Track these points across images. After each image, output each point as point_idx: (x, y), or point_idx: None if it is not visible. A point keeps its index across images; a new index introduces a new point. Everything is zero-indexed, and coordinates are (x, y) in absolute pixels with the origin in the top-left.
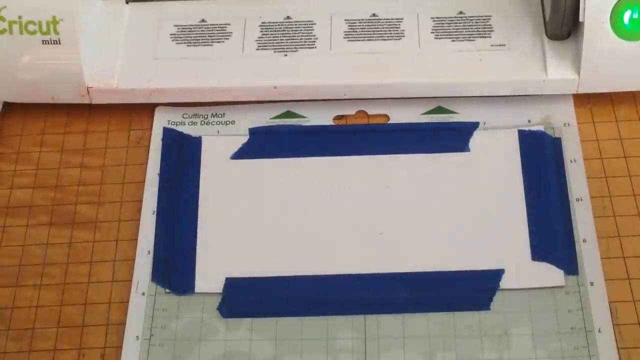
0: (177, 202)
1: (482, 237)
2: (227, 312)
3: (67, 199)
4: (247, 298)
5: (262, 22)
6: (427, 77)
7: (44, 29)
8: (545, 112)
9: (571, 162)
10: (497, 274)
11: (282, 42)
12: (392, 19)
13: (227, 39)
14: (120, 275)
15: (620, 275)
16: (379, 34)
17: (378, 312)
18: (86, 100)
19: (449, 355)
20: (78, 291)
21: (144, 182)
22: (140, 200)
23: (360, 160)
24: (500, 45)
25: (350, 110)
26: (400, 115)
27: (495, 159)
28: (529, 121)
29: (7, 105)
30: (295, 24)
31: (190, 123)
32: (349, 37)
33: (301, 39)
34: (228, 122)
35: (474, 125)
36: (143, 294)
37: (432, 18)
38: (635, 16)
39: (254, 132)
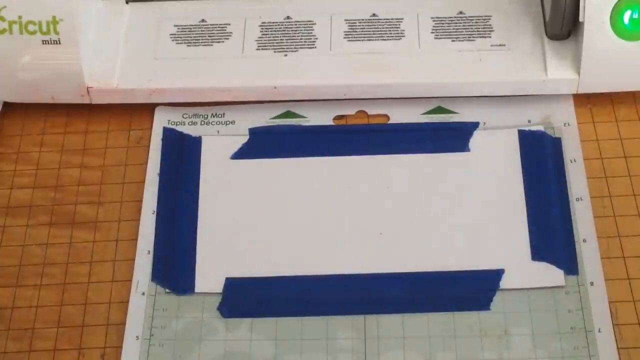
0: (177, 202)
1: (482, 237)
2: (227, 312)
3: (67, 199)
4: (247, 298)
5: (262, 22)
6: (427, 77)
7: (44, 29)
8: (545, 112)
9: (571, 162)
10: (497, 274)
11: (282, 42)
12: (392, 19)
13: (227, 39)
14: (120, 275)
15: (620, 275)
16: (379, 34)
17: (378, 312)
18: (86, 100)
19: (449, 355)
20: (78, 291)
21: (144, 182)
22: (140, 200)
23: (360, 160)
24: (500, 45)
25: (350, 110)
26: (400, 115)
27: (495, 159)
28: (529, 121)
29: (7, 105)
30: (295, 24)
31: (190, 123)
32: (349, 37)
33: (301, 39)
34: (228, 122)
35: (474, 125)
36: (143, 293)
37: (432, 18)
38: (635, 16)
39: (254, 132)
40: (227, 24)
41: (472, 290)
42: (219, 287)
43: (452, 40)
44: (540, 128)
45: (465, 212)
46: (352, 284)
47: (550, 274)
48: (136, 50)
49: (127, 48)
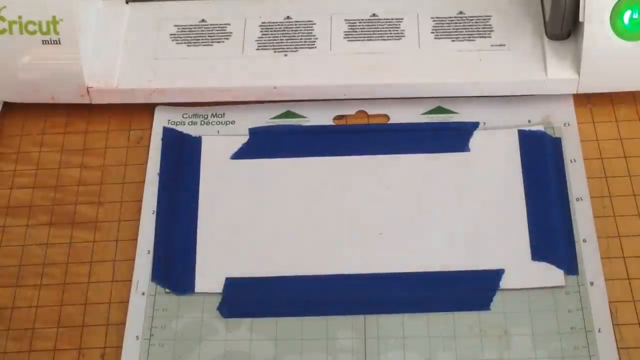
0: (177, 202)
1: (482, 237)
2: (227, 312)
3: (67, 199)
4: (247, 298)
5: (262, 22)
6: (427, 77)
7: (44, 29)
8: (545, 112)
9: (571, 162)
10: (497, 274)
11: (282, 42)
12: (392, 19)
13: (227, 39)
14: (120, 275)
15: (620, 275)
16: (379, 34)
17: (378, 312)
18: (86, 100)
19: (449, 355)
20: (78, 291)
21: (144, 182)
22: (140, 200)
23: (360, 160)
24: (500, 45)
25: (350, 110)
26: (400, 115)
27: (495, 159)
28: (529, 121)
29: (7, 105)
30: (295, 24)
31: (190, 123)
32: (349, 37)
33: (301, 39)
34: (228, 122)
35: (474, 125)
36: (143, 293)
37: (432, 18)
38: (635, 16)
39: (254, 132)
40: (227, 24)
41: (472, 290)
42: (219, 287)
43: (452, 40)
44: (540, 128)
45: (465, 212)
46: (352, 284)
47: (550, 274)
48: (136, 50)
49: (127, 48)
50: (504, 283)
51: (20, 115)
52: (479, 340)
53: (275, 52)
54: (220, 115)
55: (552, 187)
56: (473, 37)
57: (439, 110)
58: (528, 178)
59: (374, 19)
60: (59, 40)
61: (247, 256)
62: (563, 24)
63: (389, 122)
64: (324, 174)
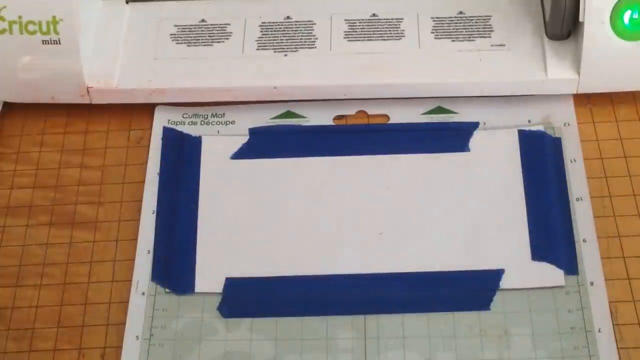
0: (177, 202)
1: (482, 237)
2: (227, 312)
3: (67, 199)
4: (247, 298)
5: (262, 22)
6: (427, 77)
7: (44, 29)
8: (545, 112)
9: (571, 162)
10: (497, 274)
11: (282, 42)
12: (392, 19)
13: (227, 39)
14: (120, 275)
15: (620, 275)
16: (379, 34)
17: (378, 312)
18: (86, 100)
19: (449, 355)
20: (78, 291)
21: (144, 182)
22: (140, 200)
23: (360, 160)
24: (500, 45)
25: (350, 110)
26: (400, 115)
27: (495, 159)
28: (529, 121)
29: (7, 105)
30: (295, 24)
31: (190, 123)
32: (349, 37)
33: (301, 39)
34: (228, 122)
35: (474, 125)
36: (143, 293)
37: (432, 18)
38: (635, 16)
39: (254, 132)
40: (227, 24)
41: (472, 290)
42: (219, 287)
43: (452, 40)
44: (540, 128)
45: (465, 212)
46: (352, 284)
47: (550, 274)
48: (136, 50)
49: (127, 48)
50: (504, 283)
51: (20, 115)
52: (479, 340)
53: (275, 52)
54: (220, 115)
55: (552, 187)
56: (473, 37)
57: (439, 110)
58: (528, 178)
59: (374, 19)
60: (59, 40)
61: (247, 256)
62: (563, 24)
63: (389, 122)
64: (324, 174)
